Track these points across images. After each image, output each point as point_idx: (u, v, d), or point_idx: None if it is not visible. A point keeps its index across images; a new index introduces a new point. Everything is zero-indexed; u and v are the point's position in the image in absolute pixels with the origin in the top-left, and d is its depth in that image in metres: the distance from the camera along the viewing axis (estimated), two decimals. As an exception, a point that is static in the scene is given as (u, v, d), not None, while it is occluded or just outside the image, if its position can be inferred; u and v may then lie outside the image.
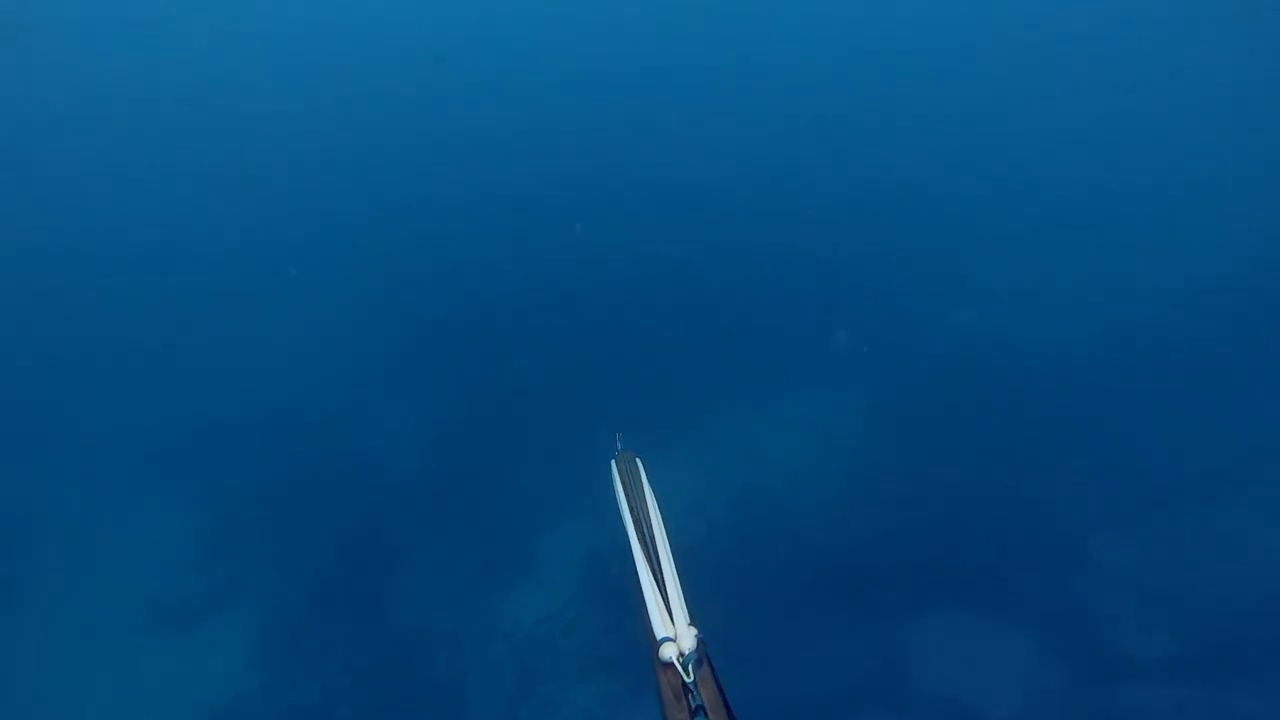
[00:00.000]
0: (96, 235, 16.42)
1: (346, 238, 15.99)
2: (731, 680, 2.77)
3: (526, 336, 13.17)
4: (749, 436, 11.49)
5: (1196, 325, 12.36)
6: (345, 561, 10.62)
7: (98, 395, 13.09)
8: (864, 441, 11.33)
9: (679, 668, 2.70)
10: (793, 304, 13.75)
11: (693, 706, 2.53)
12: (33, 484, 11.69)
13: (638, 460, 3.35)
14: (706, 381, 12.33)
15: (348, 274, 15.02)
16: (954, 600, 9.26)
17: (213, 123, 19.49)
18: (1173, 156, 16.17)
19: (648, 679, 2.83)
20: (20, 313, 14.85)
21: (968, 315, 12.88)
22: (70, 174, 18.06)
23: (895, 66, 20.02)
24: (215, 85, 21.00)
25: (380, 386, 12.84)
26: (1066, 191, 15.64)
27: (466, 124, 19.06)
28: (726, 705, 2.59)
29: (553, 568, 10.26)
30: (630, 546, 3.10)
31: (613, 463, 3.38)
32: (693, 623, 2.86)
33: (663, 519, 3.20)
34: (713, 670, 2.73)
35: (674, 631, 2.84)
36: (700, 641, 2.79)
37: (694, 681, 2.62)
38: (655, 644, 2.81)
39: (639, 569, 3.00)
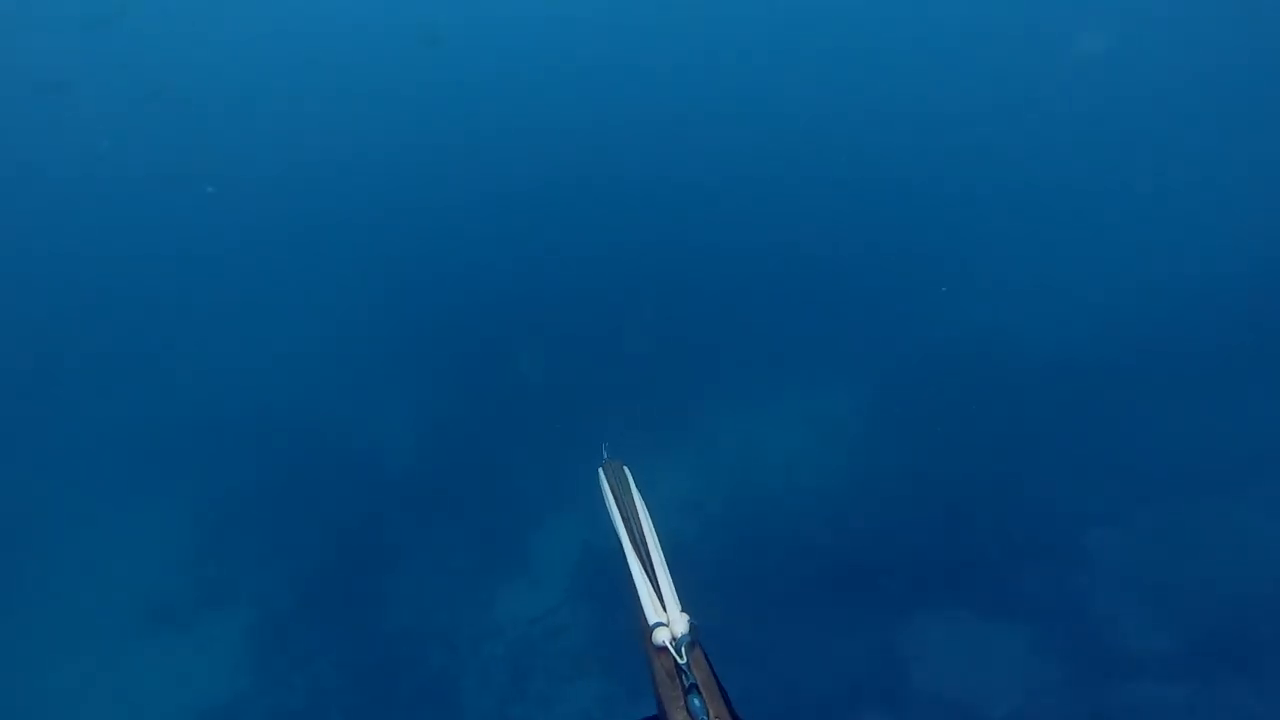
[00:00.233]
0: (83, 234, 16.36)
1: (334, 233, 15.92)
2: (731, 678, 2.83)
3: (519, 334, 13.12)
4: (745, 433, 11.44)
5: (1196, 321, 12.36)
6: (337, 561, 10.54)
7: (87, 392, 13.01)
8: (862, 437, 11.30)
9: (671, 650, 2.76)
10: (790, 300, 13.73)
11: (686, 685, 2.57)
12: (20, 482, 11.60)
13: (625, 469, 3.42)
14: (703, 378, 12.30)
15: (337, 272, 14.95)
16: (952, 597, 9.22)
17: (195, 114, 19.34)
18: (1174, 151, 16.16)
19: (644, 676, 2.88)
20: (9, 312, 14.78)
21: (965, 311, 12.88)
22: (60, 174, 17.99)
23: (893, 60, 20.03)
24: (196, 72, 20.65)
25: (372, 386, 12.79)
26: (1065, 187, 15.63)
27: (463, 117, 19.02)
28: (719, 684, 2.67)
29: (546, 566, 10.20)
30: (622, 546, 3.19)
31: (600, 471, 3.44)
32: (684, 609, 2.94)
33: (653, 520, 3.30)
34: (704, 652, 2.78)
35: (666, 617, 2.91)
36: (692, 625, 2.87)
37: (687, 663, 2.67)
38: (648, 630, 2.89)
39: (630, 563, 3.10)
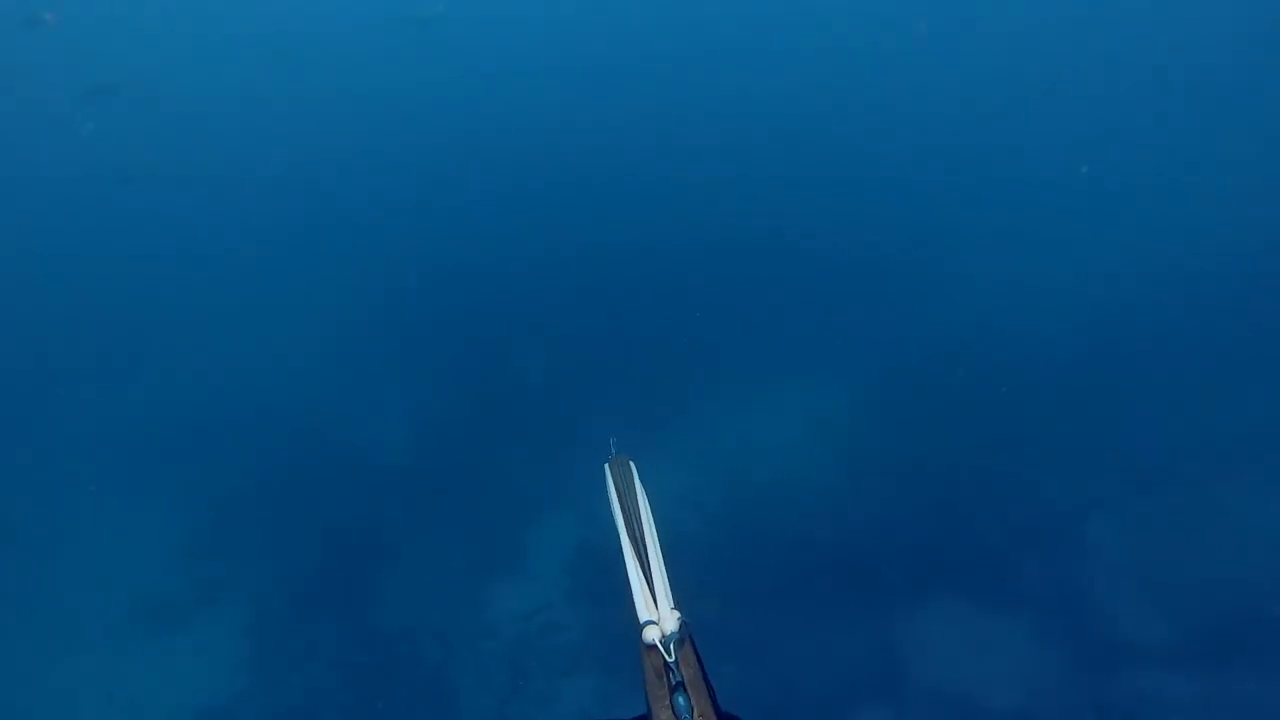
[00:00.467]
0: (75, 233, 16.30)
1: (329, 229, 15.88)
2: (729, 672, 2.81)
3: (515, 332, 13.08)
4: (743, 428, 11.40)
5: (1190, 310, 12.35)
6: (334, 560, 10.50)
7: (80, 391, 12.96)
8: (860, 431, 11.27)
9: (661, 648, 2.72)
10: (787, 296, 13.68)
11: (673, 683, 2.53)
12: (13, 481, 11.54)
13: (631, 464, 3.39)
14: (700, 374, 12.25)
15: (331, 268, 14.92)
16: (950, 589, 9.18)
17: (194, 114, 19.28)
18: (1164, 145, 16.20)
19: (639, 673, 2.84)
20: (3, 311, 14.72)
21: (960, 303, 12.85)
22: (51, 174, 17.92)
23: (886, 57, 20.03)
24: (188, 62, 20.50)
25: (367, 383, 12.74)
26: (1057, 180, 15.66)
27: (463, 112, 19.02)
28: (707, 681, 2.64)
29: (543, 564, 10.15)
30: (620, 542, 3.18)
31: (606, 466, 3.41)
32: (676, 606, 2.92)
33: (654, 516, 3.28)
34: (695, 650, 2.77)
35: (657, 615, 2.89)
36: (683, 623, 2.84)
37: (675, 661, 2.64)
38: (640, 628, 2.87)
39: (626, 561, 3.08)
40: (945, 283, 13.37)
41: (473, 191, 16.43)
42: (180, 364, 13.24)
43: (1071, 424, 10.94)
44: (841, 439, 11.15)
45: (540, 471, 10.96)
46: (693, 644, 2.78)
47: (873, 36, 20.97)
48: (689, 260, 14.25)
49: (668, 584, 2.99)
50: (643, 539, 3.10)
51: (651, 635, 2.79)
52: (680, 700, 2.50)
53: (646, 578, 2.98)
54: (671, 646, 2.70)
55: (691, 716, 2.47)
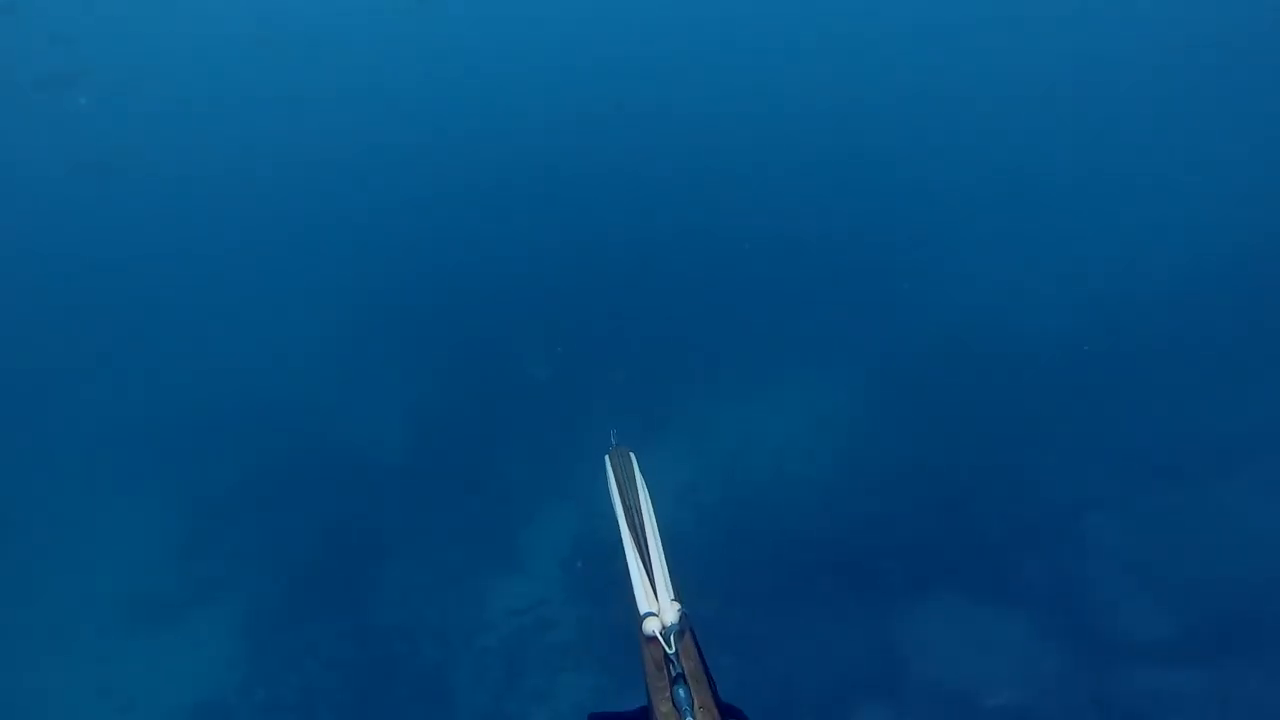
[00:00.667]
0: (70, 231, 16.25)
1: (324, 226, 15.85)
2: (728, 668, 2.82)
3: (512, 327, 13.05)
4: (741, 423, 11.38)
5: (1190, 308, 12.33)
6: (329, 555, 10.46)
7: (75, 389, 12.93)
8: (859, 426, 11.25)
9: (661, 640, 2.68)
10: (787, 293, 13.67)
11: (673, 675, 2.50)
12: (7, 479, 11.49)
13: (631, 455, 3.34)
14: (699, 369, 12.23)
15: (326, 266, 14.89)
16: (950, 586, 9.15)
17: (194, 113, 19.22)
18: (1165, 143, 16.20)
19: (637, 667, 2.81)
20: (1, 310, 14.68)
21: (960, 299, 12.83)
22: (45, 173, 17.85)
23: (884, 50, 20.02)
24: (179, 56, 20.38)
25: (363, 379, 12.72)
26: (1058, 175, 15.66)
27: (461, 107, 18.93)
28: (707, 674, 2.60)
29: (540, 560, 10.13)
30: (620, 535, 3.13)
31: (606, 458, 3.38)
32: (676, 598, 2.87)
33: (654, 509, 3.23)
34: (695, 642, 2.73)
35: (657, 607, 2.85)
36: (683, 615, 2.79)
37: (676, 653, 2.61)
38: (640, 620, 2.82)
39: (627, 553, 3.03)
40: (945, 281, 13.36)
41: (471, 186, 16.39)
42: (176, 362, 13.22)
43: (1071, 422, 10.91)
44: (842, 436, 11.12)
45: (537, 469, 10.95)
46: (693, 636, 2.74)
47: (873, 36, 20.96)
48: (690, 257, 14.24)
49: (668, 576, 2.95)
50: (643, 530, 3.06)
51: (651, 627, 2.74)
52: (680, 692, 2.46)
53: (646, 569, 2.93)
54: (672, 638, 2.65)
55: (692, 708, 2.42)
